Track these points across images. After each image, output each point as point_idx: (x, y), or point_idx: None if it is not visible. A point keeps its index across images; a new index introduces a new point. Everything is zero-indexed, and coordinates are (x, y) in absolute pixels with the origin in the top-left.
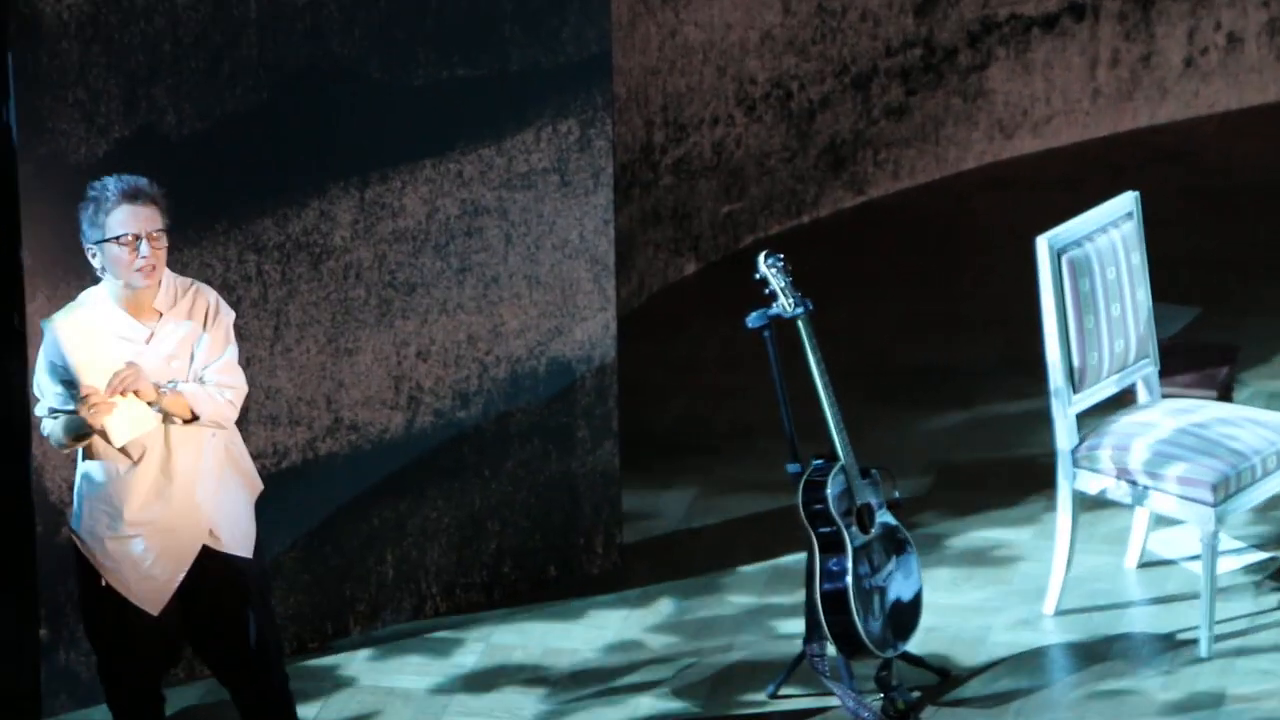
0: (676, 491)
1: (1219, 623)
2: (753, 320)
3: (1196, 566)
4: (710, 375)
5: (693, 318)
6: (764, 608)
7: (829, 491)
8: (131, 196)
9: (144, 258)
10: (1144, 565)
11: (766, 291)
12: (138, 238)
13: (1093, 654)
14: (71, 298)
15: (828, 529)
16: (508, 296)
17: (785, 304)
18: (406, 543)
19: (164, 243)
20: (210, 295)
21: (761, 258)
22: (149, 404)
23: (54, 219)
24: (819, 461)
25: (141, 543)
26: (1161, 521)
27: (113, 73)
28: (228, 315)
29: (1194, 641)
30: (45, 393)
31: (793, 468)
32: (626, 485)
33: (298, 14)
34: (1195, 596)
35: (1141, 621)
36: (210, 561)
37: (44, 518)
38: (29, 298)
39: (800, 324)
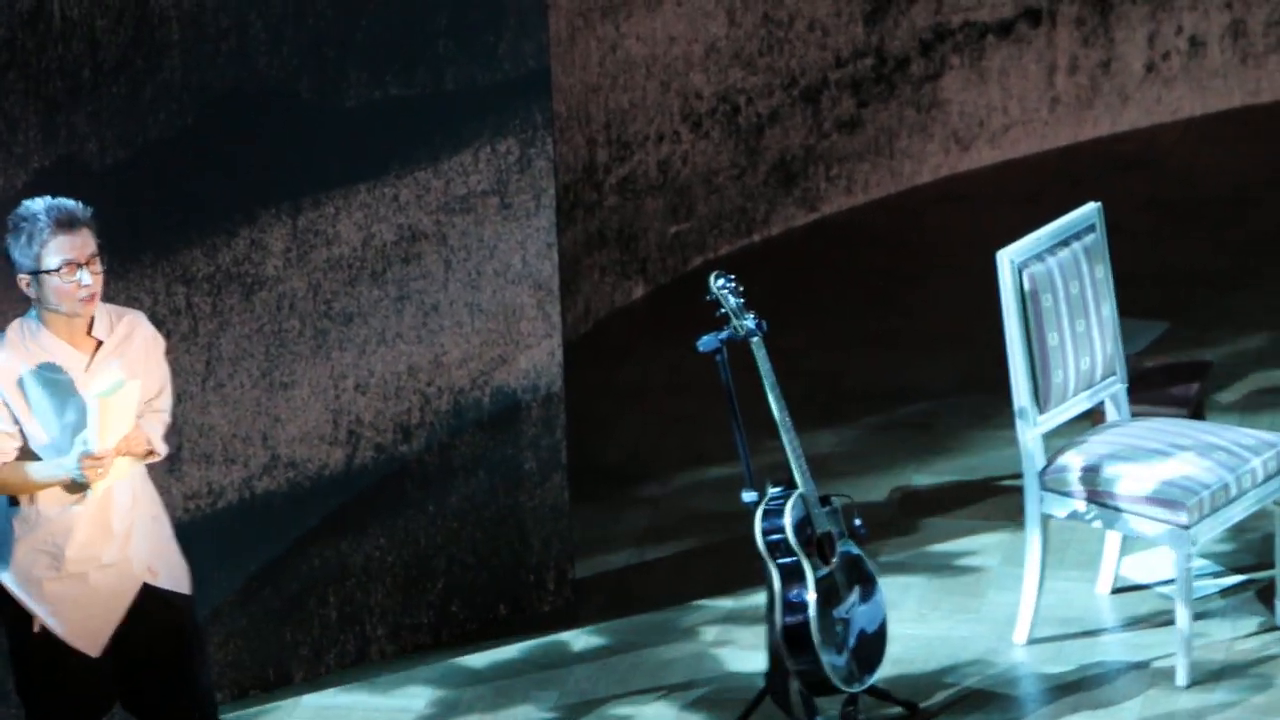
0: (628, 524)
1: (1196, 649)
2: (704, 344)
3: (1171, 590)
4: (660, 402)
5: (641, 343)
6: (723, 643)
7: (787, 520)
8: (66, 224)
9: (85, 286)
10: (1117, 590)
11: (718, 314)
12: (77, 265)
13: (1066, 684)
14: None
15: (787, 560)
16: (449, 325)
17: (738, 326)
18: (349, 583)
19: (100, 267)
20: (145, 322)
21: (712, 279)
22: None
23: None
24: (776, 489)
25: (83, 582)
26: (1134, 545)
27: (30, 99)
28: (161, 342)
29: (1171, 669)
30: None
31: (749, 496)
32: (577, 518)
33: (222, 34)
34: (1170, 622)
35: (1116, 649)
36: (149, 600)
37: None
38: None
39: (753, 346)
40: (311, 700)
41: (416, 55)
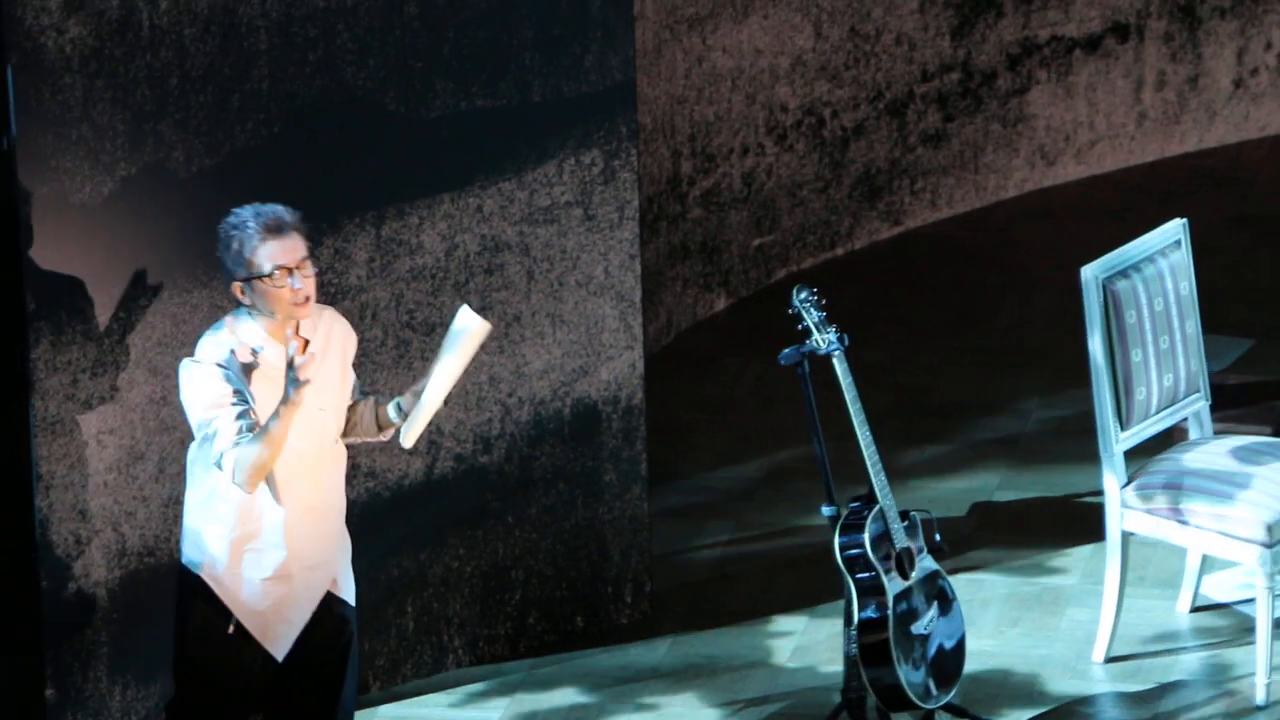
0: (708, 537)
1: (1276, 668)
2: (786, 357)
3: (1251, 609)
4: (742, 415)
5: (723, 355)
6: (800, 658)
7: (867, 535)
8: (275, 229)
9: (298, 290)
10: (1197, 609)
11: (800, 327)
12: (289, 270)
13: (1144, 703)
14: (76, 341)
15: (866, 575)
16: (530, 336)
17: (819, 340)
18: (427, 594)
19: (312, 270)
20: (340, 319)
21: (794, 292)
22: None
23: (58, 260)
24: (856, 504)
25: (289, 583)
26: (1214, 563)
27: (118, 108)
28: (354, 340)
29: (1250, 688)
30: (223, 428)
31: (828, 510)
32: (656, 531)
33: (310, 44)
34: (1250, 641)
35: (1195, 668)
36: (327, 607)
37: (50, 572)
38: (33, 342)
39: (835, 361)
40: (388, 710)
41: (502, 67)
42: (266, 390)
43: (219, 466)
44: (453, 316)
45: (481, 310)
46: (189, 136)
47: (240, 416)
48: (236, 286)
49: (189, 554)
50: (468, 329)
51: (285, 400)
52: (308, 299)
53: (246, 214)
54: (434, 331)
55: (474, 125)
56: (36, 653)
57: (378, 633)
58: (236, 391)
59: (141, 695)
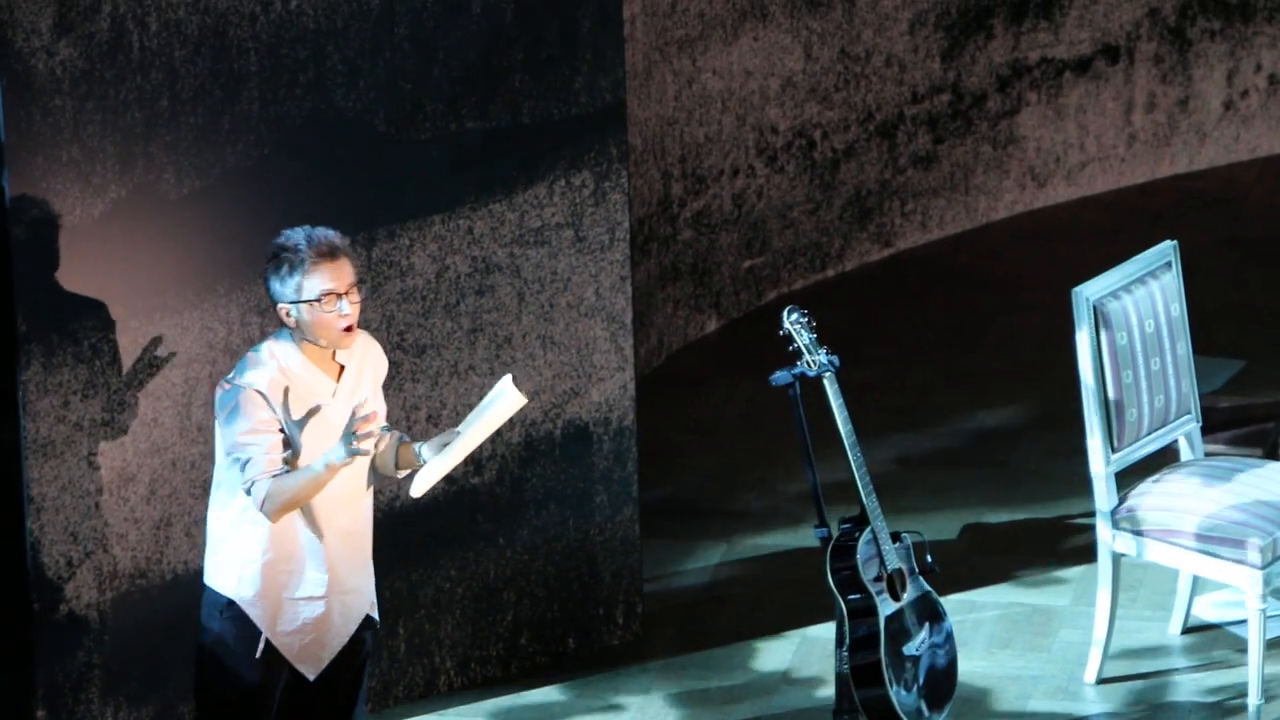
0: (699, 558)
1: (1268, 690)
2: (777, 379)
3: (1244, 631)
4: (733, 436)
5: (714, 377)
6: (792, 679)
7: (858, 557)
8: (327, 254)
9: (345, 315)
10: (1189, 630)
11: (791, 349)
12: (337, 296)
13: None
14: (67, 363)
15: (857, 596)
16: (521, 357)
17: (810, 361)
18: (419, 615)
19: (359, 296)
20: (375, 345)
21: (785, 313)
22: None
23: (49, 282)
24: (847, 525)
25: (328, 606)
26: (1206, 584)
27: (108, 129)
28: (385, 365)
29: (1243, 710)
30: (258, 456)
31: (820, 532)
32: (647, 552)
33: (300, 66)
34: (1243, 663)
35: (1187, 690)
36: (365, 632)
37: (41, 594)
38: (23, 364)
39: (826, 382)
40: None
41: (492, 88)
42: (299, 411)
43: (247, 493)
44: (493, 385)
45: (472, 332)
46: (179, 158)
47: (276, 447)
48: (283, 309)
49: (215, 576)
50: (506, 398)
51: (338, 457)
52: (352, 327)
53: (298, 236)
54: (424, 353)
55: (464, 147)
56: (28, 674)
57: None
58: (274, 420)
59: (133, 717)
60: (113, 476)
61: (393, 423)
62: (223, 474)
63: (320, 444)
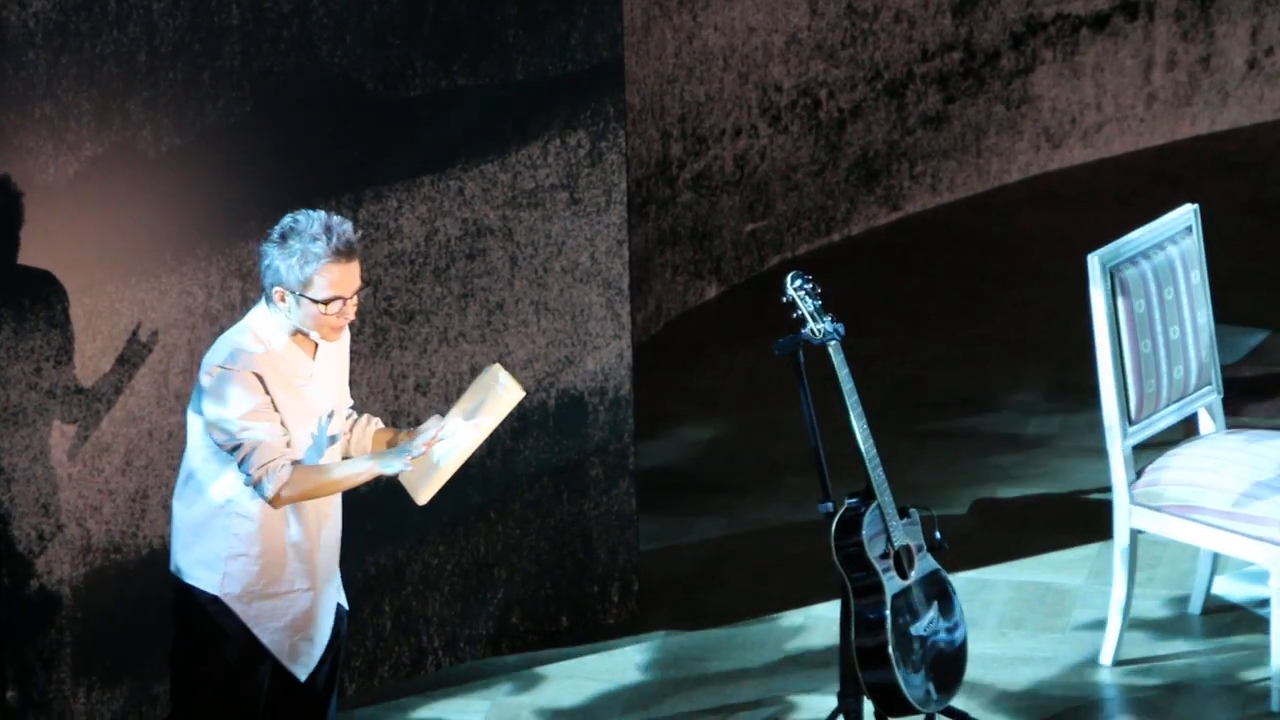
0: (698, 534)
1: None
2: (780, 347)
3: (1266, 611)
4: (734, 407)
5: (714, 345)
6: (795, 660)
7: (864, 533)
8: (344, 255)
9: (345, 318)
10: (1209, 610)
11: (794, 316)
12: (344, 300)
13: (1154, 708)
14: (40, 329)
15: (863, 574)
16: (514, 324)
17: (815, 329)
18: (406, 592)
19: (360, 298)
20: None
21: (789, 279)
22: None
23: (21, 244)
24: (853, 500)
25: (312, 600)
26: (1227, 562)
27: (83, 85)
28: (347, 338)
29: (1265, 693)
30: (266, 439)
31: (824, 507)
32: (644, 527)
33: (284, 20)
34: (1265, 644)
35: (1207, 672)
36: (339, 623)
37: (11, 569)
38: None
39: (831, 351)
40: (364, 714)
41: (485, 44)
42: (284, 392)
43: (255, 483)
44: (483, 375)
45: (462, 297)
46: (158, 115)
47: (279, 431)
48: (280, 292)
49: (195, 572)
50: (505, 394)
51: (390, 467)
52: (344, 326)
53: (317, 226)
54: (412, 319)
55: (455, 105)
56: None
57: (354, 633)
58: (270, 402)
59: (107, 698)
60: (86, 446)
61: (380, 391)
62: (201, 463)
63: (299, 426)
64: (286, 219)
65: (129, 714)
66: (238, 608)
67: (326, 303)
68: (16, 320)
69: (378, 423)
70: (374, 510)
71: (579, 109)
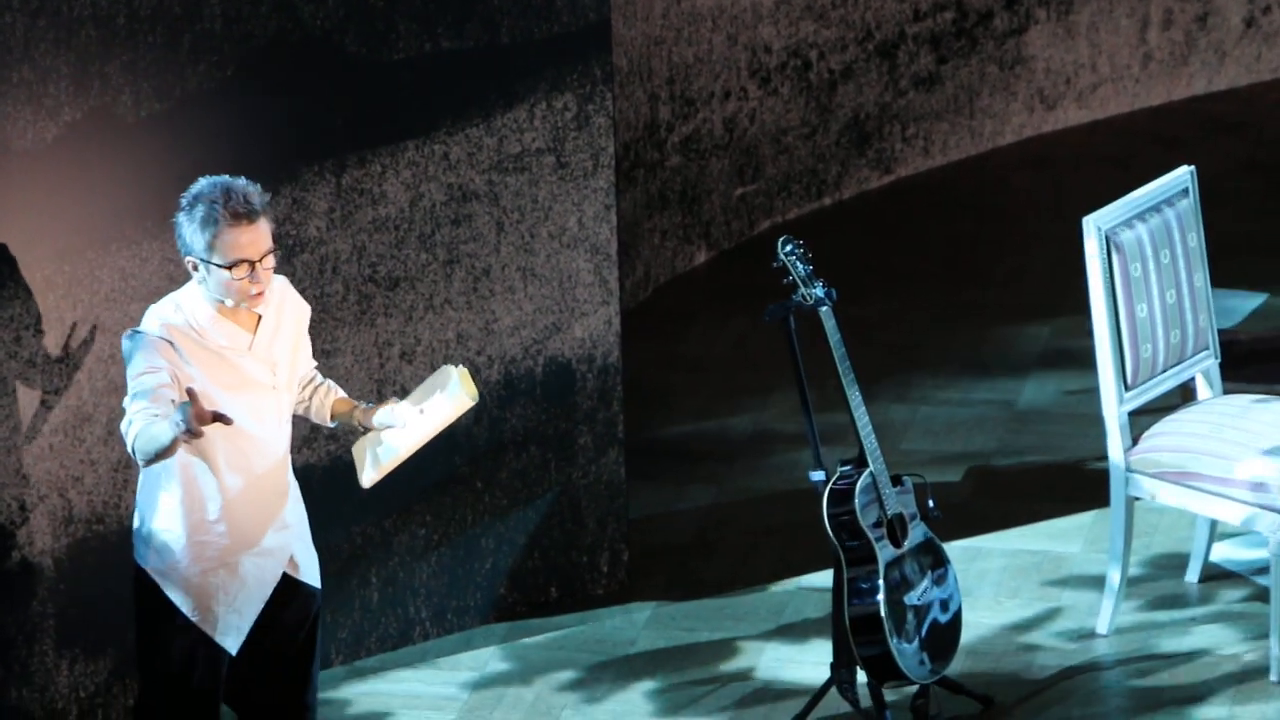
0: (688, 503)
1: None
2: (771, 313)
3: (1266, 579)
4: (724, 374)
5: (704, 311)
6: (787, 630)
7: (857, 501)
8: (244, 216)
9: (256, 283)
10: (1207, 579)
11: (785, 281)
12: (250, 265)
13: (1151, 677)
14: (19, 296)
15: (856, 542)
16: (500, 290)
17: (806, 295)
18: (392, 563)
19: (273, 261)
20: (289, 287)
21: (780, 244)
22: None
23: None
24: (845, 468)
25: (234, 571)
26: (1226, 530)
27: (61, 48)
28: (307, 309)
29: (1263, 662)
30: (138, 396)
31: (816, 475)
32: (633, 496)
33: None
34: (1264, 612)
35: (1205, 640)
36: (286, 592)
37: None
38: None
39: (823, 316)
40: (351, 686)
41: (469, 6)
42: (211, 364)
43: (124, 432)
44: (440, 372)
45: (448, 264)
46: (137, 79)
47: (163, 391)
48: (190, 262)
49: (139, 549)
50: (454, 398)
51: (176, 430)
52: (261, 293)
53: (216, 192)
54: (397, 286)
55: (439, 68)
56: None
57: (340, 604)
58: (163, 367)
59: (90, 670)
60: (67, 416)
61: (365, 359)
62: None
63: (235, 395)
64: (192, 186)
65: (112, 685)
66: (165, 584)
67: (230, 267)
68: None
69: (339, 391)
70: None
71: (565, 72)
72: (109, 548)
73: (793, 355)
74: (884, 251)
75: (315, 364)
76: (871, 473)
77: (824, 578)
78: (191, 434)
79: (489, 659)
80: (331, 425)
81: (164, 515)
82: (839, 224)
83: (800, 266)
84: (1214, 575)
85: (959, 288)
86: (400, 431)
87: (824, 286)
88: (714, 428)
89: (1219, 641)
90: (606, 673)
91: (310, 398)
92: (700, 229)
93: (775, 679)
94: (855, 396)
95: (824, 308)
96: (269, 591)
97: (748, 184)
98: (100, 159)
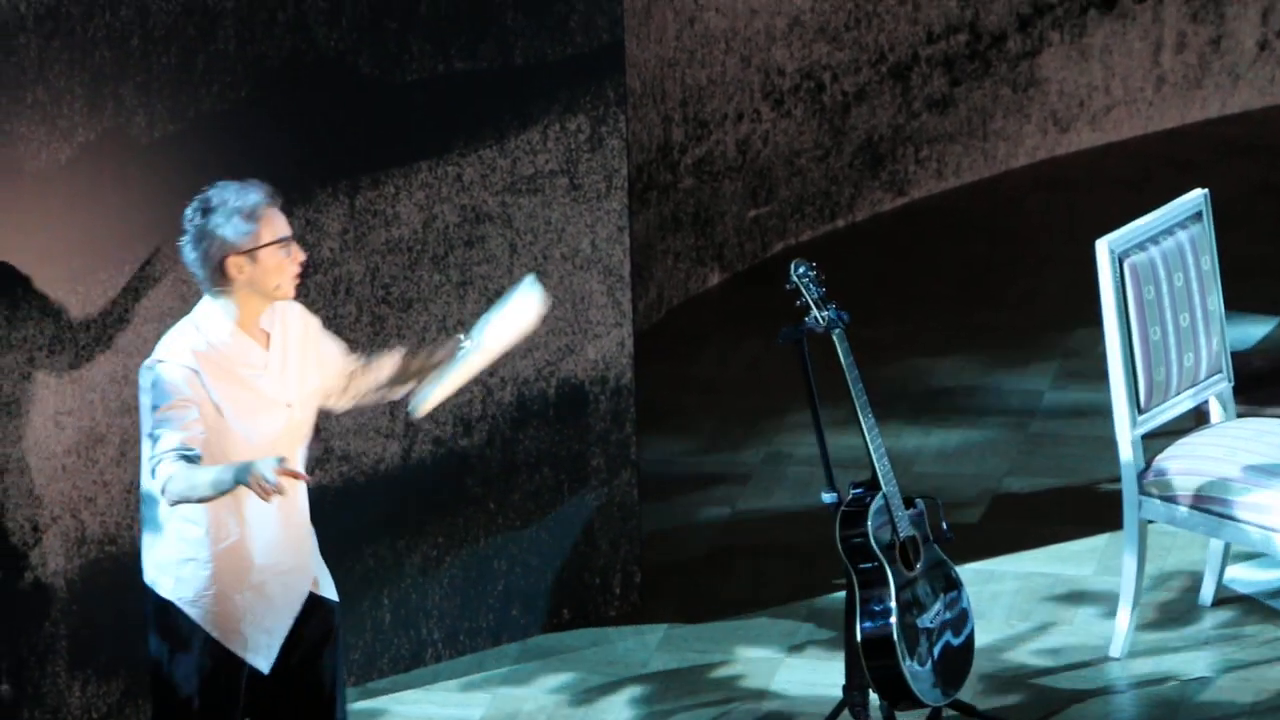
0: (701, 525)
1: None
2: (783, 335)
3: (1278, 603)
4: (736, 396)
5: (717, 333)
6: (799, 652)
7: (869, 523)
8: (271, 195)
9: (299, 260)
10: (1220, 602)
11: (798, 304)
12: (292, 241)
13: (1165, 702)
14: (33, 317)
15: (869, 565)
16: None
17: (819, 317)
18: (405, 584)
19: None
20: (296, 305)
21: (792, 266)
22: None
23: (12, 231)
24: (858, 490)
25: (262, 593)
26: (1239, 553)
27: (76, 70)
28: (315, 320)
29: (1278, 686)
30: (167, 434)
31: (829, 497)
32: (646, 518)
33: (279, 3)
34: (1277, 637)
35: (1218, 664)
36: (312, 609)
37: (4, 561)
38: None
39: (836, 339)
40: (363, 706)
41: (483, 27)
42: (233, 388)
43: (152, 473)
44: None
45: (461, 285)
46: (151, 100)
47: (192, 426)
48: (235, 261)
49: (152, 574)
50: (527, 303)
51: (237, 481)
52: (298, 274)
53: (236, 186)
54: (410, 307)
55: (453, 89)
56: None
57: (352, 625)
58: (193, 400)
59: (103, 691)
60: (80, 437)
61: None
62: (147, 462)
63: (254, 418)
64: (194, 203)
65: (124, 707)
66: (193, 612)
67: (280, 244)
68: (9, 309)
69: (399, 354)
70: (372, 501)
71: (579, 93)
72: (121, 569)
73: (805, 377)
74: (897, 274)
75: (357, 354)
76: (884, 495)
77: (837, 600)
78: (275, 490)
79: (501, 681)
80: (405, 390)
81: (188, 544)
82: (852, 246)
83: (813, 289)
84: (1227, 598)
85: (972, 310)
86: (468, 357)
87: (836, 309)
88: (727, 449)
89: (1232, 665)
90: (619, 695)
91: (370, 378)
92: (713, 251)
93: (788, 701)
94: (868, 419)
95: (837, 330)
96: (297, 609)
97: (761, 206)
98: (114, 180)
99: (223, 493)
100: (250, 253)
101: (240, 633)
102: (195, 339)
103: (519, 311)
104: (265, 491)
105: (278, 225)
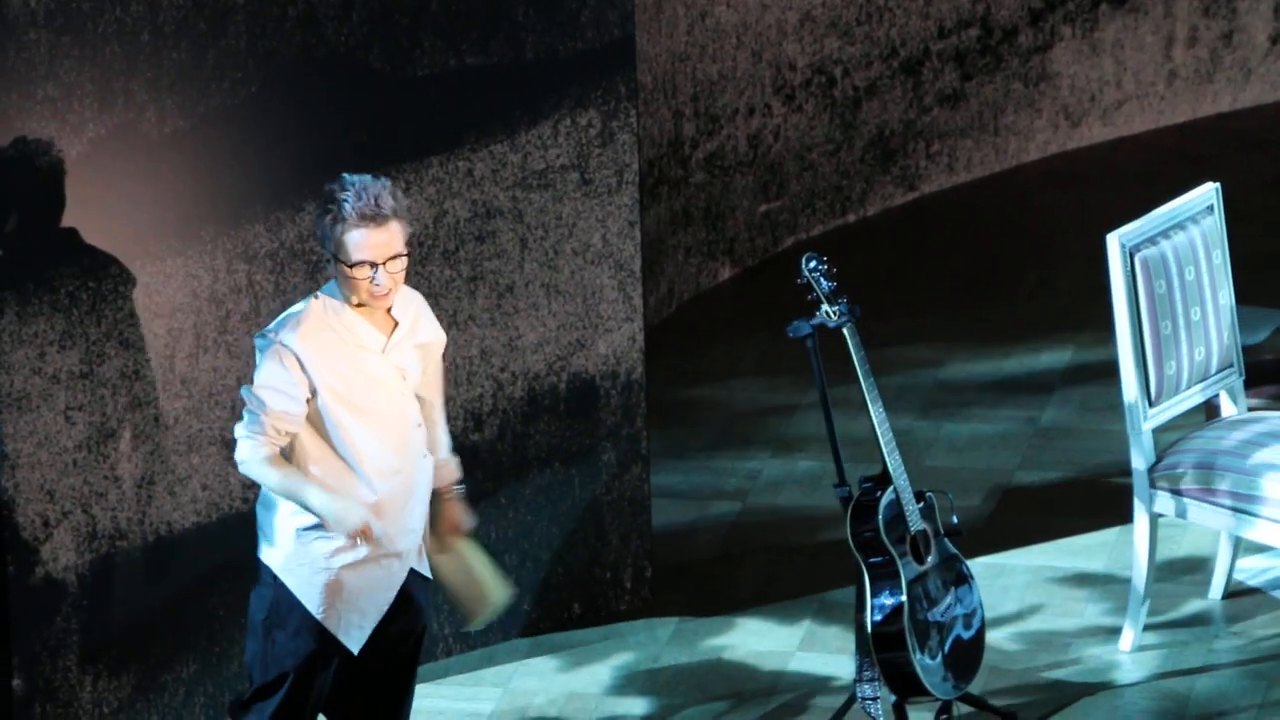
0: (712, 519)
1: None
2: (794, 330)
3: None
4: (747, 391)
5: (728, 328)
6: (810, 645)
7: (880, 517)
8: (370, 218)
9: (379, 285)
10: (1230, 595)
11: (809, 298)
12: (373, 265)
13: (1175, 695)
14: (44, 313)
15: (879, 558)
16: (524, 307)
17: (830, 312)
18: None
19: (403, 264)
20: (427, 308)
21: (803, 261)
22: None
23: (23, 227)
24: (869, 484)
25: (364, 573)
26: (1249, 546)
27: (86, 65)
28: (444, 339)
29: None
30: (261, 415)
31: (840, 491)
32: (657, 513)
33: None
34: None
35: (1228, 657)
36: (399, 606)
37: (16, 556)
38: None
39: (846, 333)
40: None
41: (494, 22)
42: (344, 364)
43: (236, 437)
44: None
45: (471, 280)
46: (161, 96)
47: (284, 415)
48: (328, 256)
49: (261, 546)
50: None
51: (331, 515)
52: (388, 293)
53: (349, 193)
54: None
55: (464, 84)
56: (2, 641)
57: None
58: (295, 383)
59: (114, 686)
60: (91, 432)
61: None
62: None
63: (365, 396)
64: (334, 182)
65: (136, 702)
66: (290, 581)
67: (353, 266)
68: (20, 304)
69: (454, 467)
70: None
71: (590, 88)
72: (133, 563)
73: (816, 372)
74: (908, 268)
75: (440, 405)
76: (895, 489)
77: (847, 594)
78: (362, 537)
79: (512, 675)
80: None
81: (290, 514)
82: (863, 241)
83: (824, 283)
84: (1237, 592)
85: (983, 304)
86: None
87: (847, 303)
88: (737, 443)
89: (1242, 658)
90: (630, 689)
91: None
92: (724, 245)
93: (798, 695)
94: (879, 413)
95: (847, 324)
96: (394, 594)
97: (772, 201)
98: (124, 175)
99: (293, 500)
100: (333, 258)
101: (335, 609)
102: (315, 313)
103: (487, 581)
104: (364, 534)
105: (359, 246)
